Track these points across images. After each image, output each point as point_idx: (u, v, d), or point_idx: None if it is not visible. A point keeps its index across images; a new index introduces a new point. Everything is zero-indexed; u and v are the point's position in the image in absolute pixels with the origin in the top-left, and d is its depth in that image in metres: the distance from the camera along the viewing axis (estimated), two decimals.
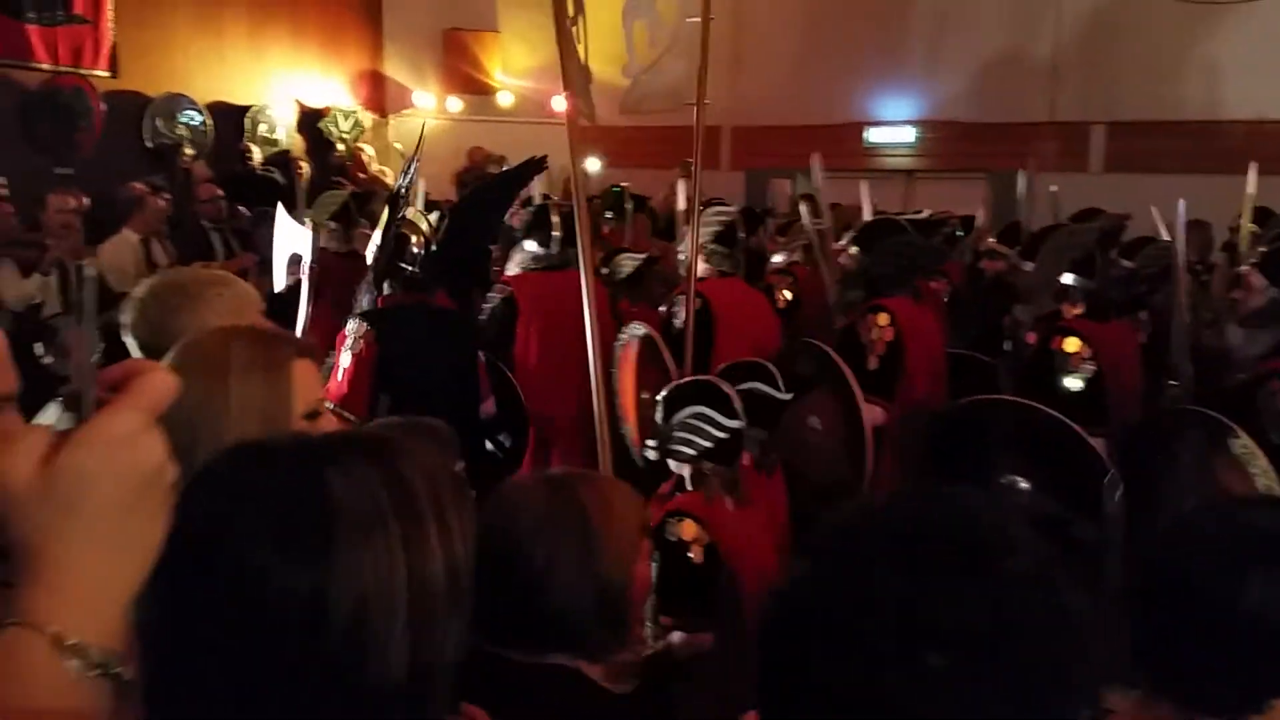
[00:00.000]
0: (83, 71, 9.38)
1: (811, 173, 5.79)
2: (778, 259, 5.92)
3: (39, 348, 4.66)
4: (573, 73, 4.18)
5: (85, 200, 6.72)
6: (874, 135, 11.03)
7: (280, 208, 4.69)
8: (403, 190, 4.37)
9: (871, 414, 4.03)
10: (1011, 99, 10.19)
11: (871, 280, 4.47)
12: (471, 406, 4.09)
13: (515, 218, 7.33)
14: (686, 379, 3.29)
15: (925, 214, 6.73)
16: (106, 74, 9.58)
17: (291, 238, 4.32)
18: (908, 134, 10.97)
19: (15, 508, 0.76)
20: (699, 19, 4.86)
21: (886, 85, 10.93)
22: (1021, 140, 9.84)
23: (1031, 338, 4.77)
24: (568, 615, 1.65)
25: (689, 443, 2.86)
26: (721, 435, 2.87)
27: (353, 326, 3.82)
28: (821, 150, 8.77)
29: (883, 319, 4.24)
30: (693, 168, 4.63)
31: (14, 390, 1.09)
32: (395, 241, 4.11)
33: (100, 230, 6.84)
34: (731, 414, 2.90)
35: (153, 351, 1.78)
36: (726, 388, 3.00)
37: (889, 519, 0.94)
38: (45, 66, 9.18)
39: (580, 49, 4.35)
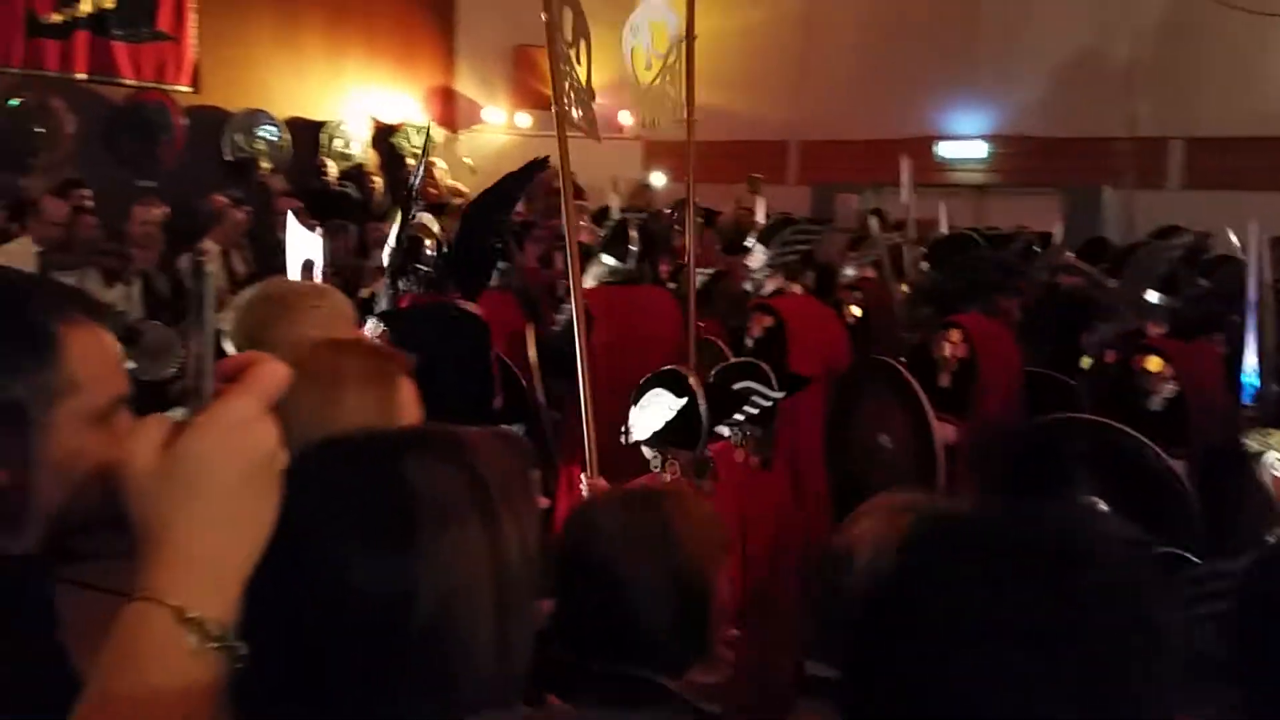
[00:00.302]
0: (165, 87, 9.68)
1: (903, 186, 5.74)
2: (849, 273, 5.89)
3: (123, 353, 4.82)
4: (562, 92, 4.19)
5: (165, 211, 6.91)
6: (945, 150, 10.91)
7: (291, 216, 4.79)
8: (414, 191, 4.46)
9: (943, 432, 3.99)
10: (1086, 113, 10.02)
11: (944, 296, 4.41)
12: (486, 406, 4.11)
13: (587, 232, 7.40)
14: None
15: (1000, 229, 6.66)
16: (189, 89, 9.87)
17: (304, 244, 4.39)
18: (979, 148, 10.84)
19: (139, 489, 0.81)
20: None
21: (957, 99, 10.82)
22: (1097, 155, 9.69)
23: (1111, 356, 4.67)
24: (648, 628, 1.64)
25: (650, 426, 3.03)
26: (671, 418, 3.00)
27: (370, 326, 3.86)
28: (891, 165, 8.72)
29: (955, 335, 4.18)
30: (687, 185, 4.64)
31: (126, 392, 1.13)
32: (409, 243, 4.19)
33: (181, 241, 7.03)
34: (681, 394, 3.01)
35: None
36: (685, 371, 3.19)
37: (981, 526, 0.96)
38: (130, 82, 9.49)
39: (580, 71, 4.44)
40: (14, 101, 8.72)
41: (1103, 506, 3.51)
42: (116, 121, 9.42)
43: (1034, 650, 0.84)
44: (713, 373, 3.52)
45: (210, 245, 6.72)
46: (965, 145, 10.88)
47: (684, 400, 3.02)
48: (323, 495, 0.97)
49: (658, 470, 3.01)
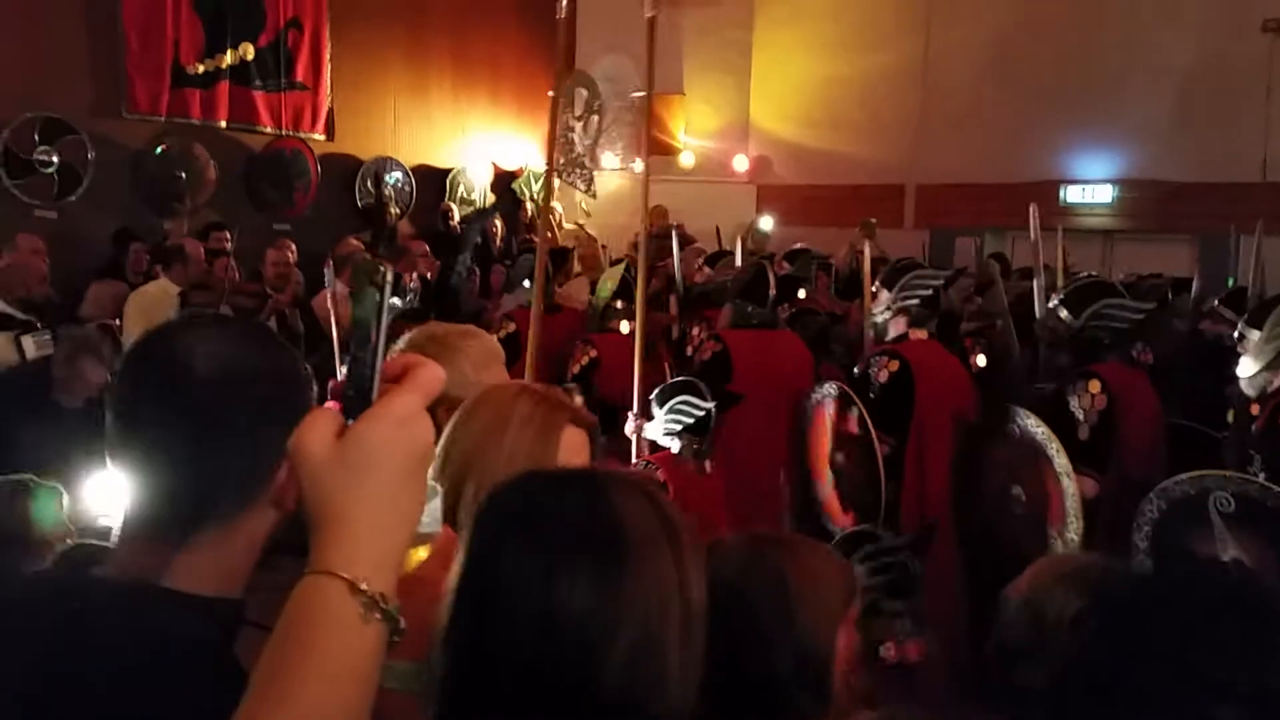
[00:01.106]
0: (302, 135, 10.11)
1: (1031, 230, 5.63)
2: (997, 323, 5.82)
3: None
4: (555, 156, 5.16)
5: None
6: (1070, 194, 10.67)
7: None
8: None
9: (1083, 486, 3.88)
10: (1218, 158, 9.70)
11: (1082, 345, 4.29)
12: None
13: (700, 273, 7.45)
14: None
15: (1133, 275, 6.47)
16: (323, 137, 10.28)
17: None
18: (1105, 193, 10.57)
19: (315, 474, 0.88)
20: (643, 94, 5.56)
21: (1081, 143, 10.59)
22: (1230, 200, 9.35)
23: (1255, 409, 4.49)
24: (765, 681, 1.62)
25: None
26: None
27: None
28: (1012, 209, 8.55)
29: (1094, 386, 4.06)
30: (648, 231, 5.22)
31: None
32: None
33: (313, 284, 7.30)
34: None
35: None
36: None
37: (1176, 590, 1.02)
38: (269, 130, 9.93)
39: (580, 135, 5.10)
40: (160, 149, 9.20)
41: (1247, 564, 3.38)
42: (255, 167, 9.86)
43: (1244, 706, 0.87)
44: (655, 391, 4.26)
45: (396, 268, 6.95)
46: (1091, 189, 10.62)
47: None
48: (532, 528, 1.02)
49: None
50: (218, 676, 1.10)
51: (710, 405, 4.04)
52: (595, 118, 5.63)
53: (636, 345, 4.67)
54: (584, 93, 5.71)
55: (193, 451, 1.13)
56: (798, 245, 9.14)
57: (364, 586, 0.86)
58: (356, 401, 0.90)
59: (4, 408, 4.47)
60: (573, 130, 5.55)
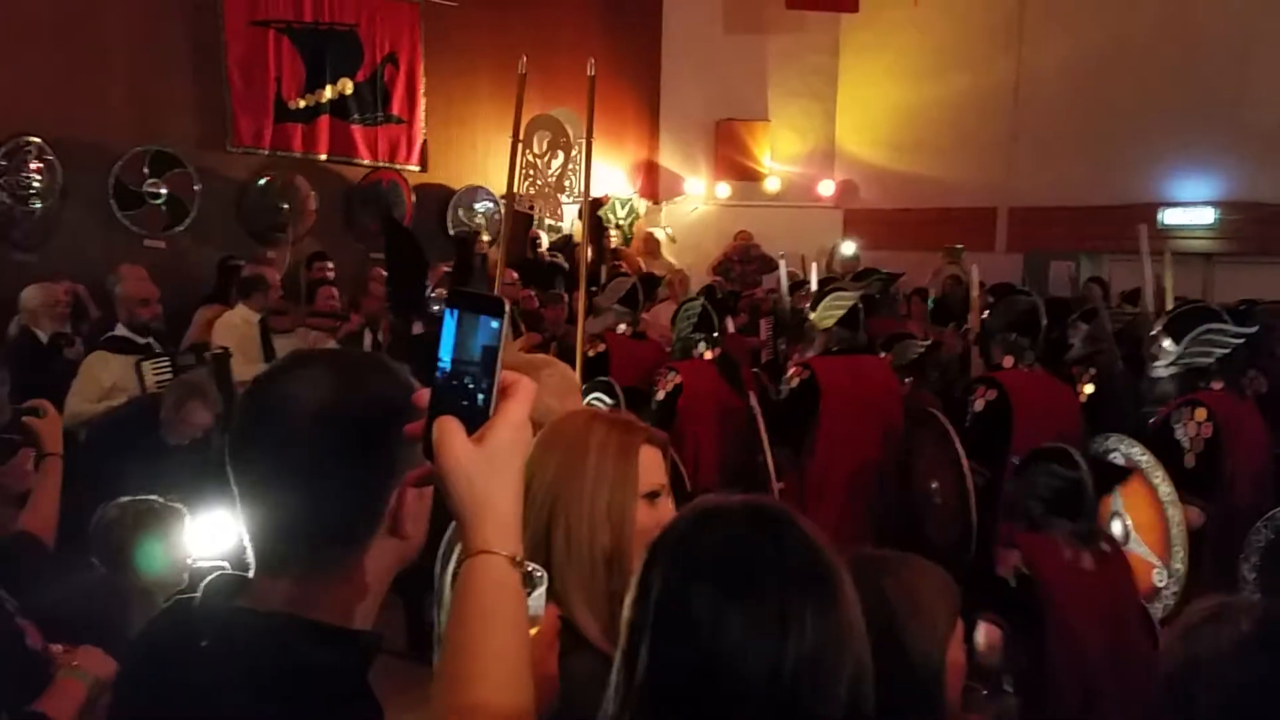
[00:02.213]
0: (397, 166, 10.38)
1: (1143, 254, 5.52)
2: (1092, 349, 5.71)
3: None
4: (515, 186, 6.07)
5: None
6: (1169, 217, 10.40)
7: None
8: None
9: (1188, 515, 3.78)
10: None
11: (1187, 372, 4.18)
12: None
13: (803, 299, 7.44)
14: None
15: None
16: (417, 169, 10.55)
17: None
18: (1206, 215, 10.28)
19: (462, 473, 1.05)
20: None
21: (1180, 164, 10.31)
22: None
23: None
24: (881, 698, 1.63)
25: None
26: None
27: None
28: (1107, 231, 8.39)
29: (1200, 414, 3.95)
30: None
31: None
32: None
33: (407, 308, 7.47)
34: None
35: None
36: None
37: None
38: (366, 162, 10.22)
39: (551, 173, 6.44)
40: (263, 180, 9.53)
41: None
42: (354, 198, 10.15)
43: None
44: None
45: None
46: (1190, 211, 10.34)
47: None
48: (741, 576, 1.06)
49: None
50: (358, 707, 1.17)
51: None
52: (563, 151, 7.00)
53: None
54: (547, 134, 7.09)
55: (301, 488, 1.18)
56: (863, 267, 9.10)
57: (520, 559, 1.07)
58: (476, 413, 1.06)
59: (115, 443, 4.67)
60: (534, 168, 6.83)
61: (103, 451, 4.66)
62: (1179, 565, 3.70)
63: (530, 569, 1.18)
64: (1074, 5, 10.78)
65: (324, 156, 9.96)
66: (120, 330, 5.72)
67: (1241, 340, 4.18)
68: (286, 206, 9.40)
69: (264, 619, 1.18)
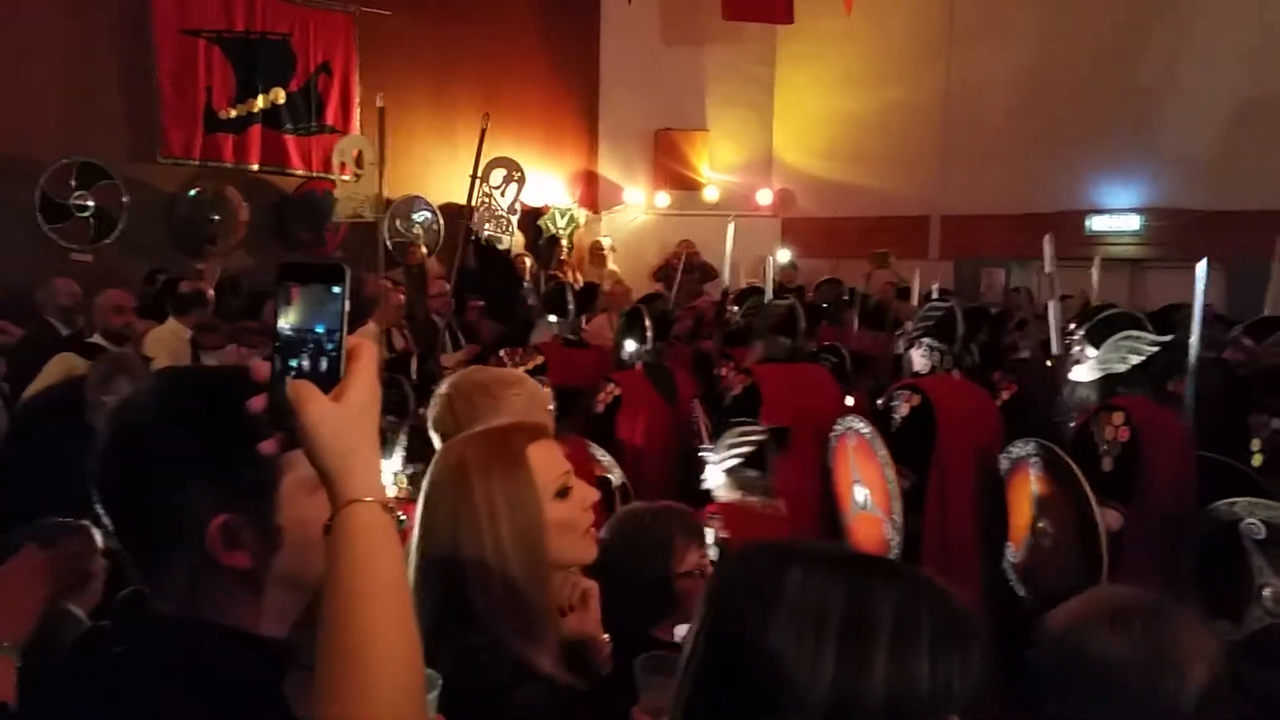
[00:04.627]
0: (331, 176, 10.23)
1: (1045, 258, 5.64)
2: (1025, 355, 5.80)
3: None
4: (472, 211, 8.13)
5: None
6: (1096, 224, 10.63)
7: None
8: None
9: (1107, 519, 3.85)
10: (1248, 185, 9.65)
11: (1106, 377, 4.26)
12: None
13: (729, 312, 7.47)
14: None
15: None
16: (351, 179, 10.42)
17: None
18: (1132, 222, 10.52)
19: (325, 429, 1.06)
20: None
21: (1109, 171, 10.56)
22: (1259, 228, 9.28)
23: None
24: None
25: None
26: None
27: None
28: (1039, 240, 8.50)
29: (1117, 418, 4.02)
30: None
31: None
32: None
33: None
34: None
35: None
36: None
37: None
38: (299, 172, 10.12)
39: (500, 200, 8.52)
40: (193, 192, 9.38)
41: None
42: (287, 208, 10.03)
43: None
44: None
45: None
46: (1117, 218, 10.58)
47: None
48: (763, 598, 1.04)
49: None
50: (269, 713, 1.14)
51: (763, 430, 4.02)
52: (516, 184, 10.12)
53: None
54: (503, 171, 10.08)
55: (175, 514, 1.17)
56: (829, 278, 9.19)
57: (389, 504, 1.09)
58: (328, 376, 1.09)
59: (37, 429, 4.48)
60: (490, 197, 9.84)
61: (28, 437, 4.45)
62: (1100, 569, 3.77)
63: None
64: (1002, 18, 10.99)
65: (256, 167, 9.84)
66: (96, 338, 5.73)
67: (1158, 347, 4.26)
68: (217, 218, 9.28)
69: (175, 625, 1.17)
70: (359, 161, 8.38)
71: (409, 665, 1.06)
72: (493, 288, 9.81)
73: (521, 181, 11.06)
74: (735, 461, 4.00)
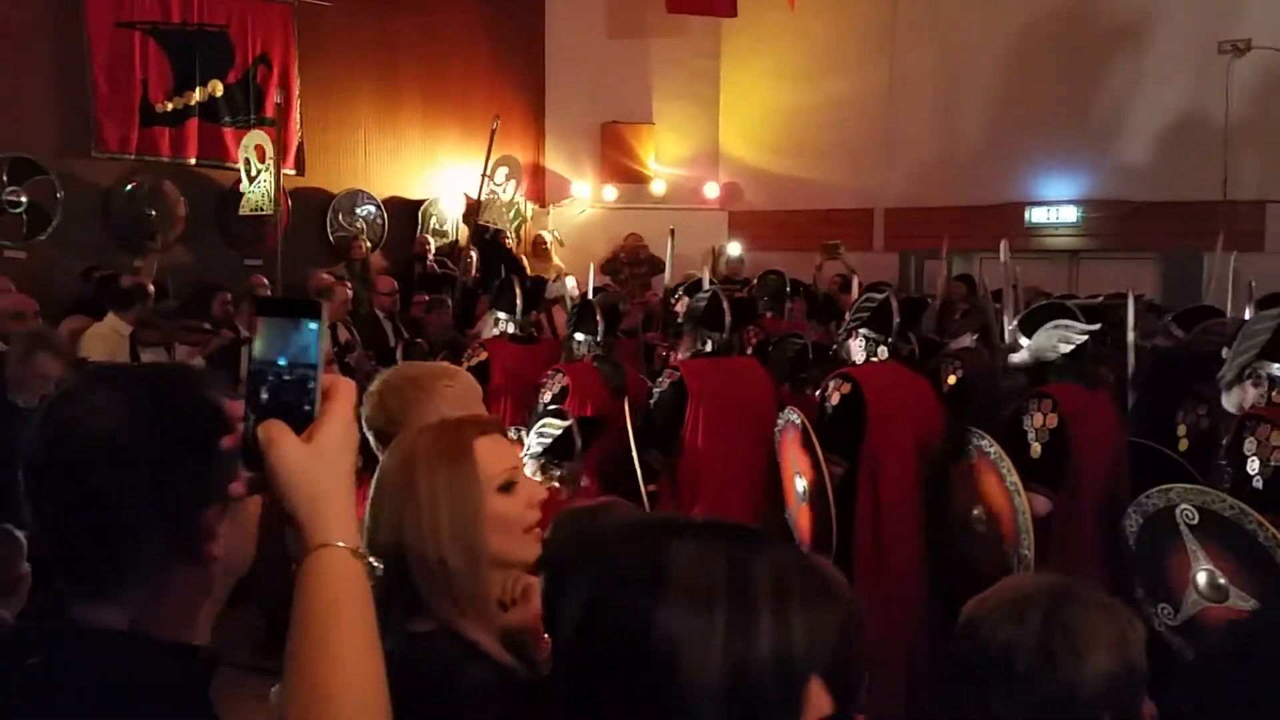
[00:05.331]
0: (246, 168, 10.10)
1: (1001, 253, 5.71)
2: (965, 343, 5.86)
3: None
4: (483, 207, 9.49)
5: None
6: (1035, 215, 10.80)
7: None
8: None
9: (1034, 505, 3.91)
10: (1182, 177, 9.86)
11: (1038, 365, 4.32)
12: None
13: (680, 304, 7.47)
14: None
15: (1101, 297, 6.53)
16: (293, 172, 10.30)
17: None
18: (1070, 213, 10.71)
19: (297, 470, 1.05)
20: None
21: (1048, 164, 10.73)
22: (1194, 219, 9.49)
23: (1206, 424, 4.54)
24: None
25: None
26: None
27: None
28: (980, 231, 8.65)
29: (1046, 406, 4.09)
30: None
31: None
32: None
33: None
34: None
35: (388, 440, 1.92)
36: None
37: None
38: (239, 166, 9.96)
39: (502, 194, 9.28)
40: (129, 187, 9.21)
41: (1221, 579, 3.42)
42: (226, 204, 9.84)
43: None
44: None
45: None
46: (1055, 210, 10.76)
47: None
48: (605, 563, 1.07)
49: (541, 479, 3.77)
50: None
51: (567, 424, 4.06)
52: (513, 183, 11.35)
53: None
54: (506, 168, 11.08)
55: (106, 518, 1.15)
56: (770, 270, 9.21)
57: (360, 549, 1.08)
58: (302, 416, 1.07)
59: None
60: (494, 192, 10.73)
61: None
62: (1026, 551, 3.83)
63: None
64: (943, 11, 11.11)
65: (194, 160, 9.68)
66: None
67: (1087, 336, 4.32)
68: (154, 213, 9.12)
69: (93, 636, 1.15)
70: (260, 156, 8.64)
71: (373, 708, 1.06)
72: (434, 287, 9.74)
73: (519, 179, 11.98)
74: (538, 449, 4.02)
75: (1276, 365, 3.83)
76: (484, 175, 10.37)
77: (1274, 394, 3.83)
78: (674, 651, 0.97)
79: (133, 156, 9.29)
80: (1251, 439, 3.62)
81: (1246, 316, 5.22)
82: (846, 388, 4.45)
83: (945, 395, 5.29)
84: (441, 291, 8.94)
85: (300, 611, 1.05)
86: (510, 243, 11.46)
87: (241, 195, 9.31)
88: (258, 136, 9.25)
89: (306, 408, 1.08)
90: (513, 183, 11.79)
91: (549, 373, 5.32)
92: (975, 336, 6.17)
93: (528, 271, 10.40)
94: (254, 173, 9.25)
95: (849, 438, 4.41)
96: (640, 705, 0.98)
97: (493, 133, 9.95)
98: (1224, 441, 3.84)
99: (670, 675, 0.97)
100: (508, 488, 1.70)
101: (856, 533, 4.37)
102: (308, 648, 1.04)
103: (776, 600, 1.00)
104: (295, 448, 1.05)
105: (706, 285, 6.68)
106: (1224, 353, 3.97)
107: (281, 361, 1.07)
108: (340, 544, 1.06)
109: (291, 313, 1.08)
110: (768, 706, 0.98)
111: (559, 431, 4.03)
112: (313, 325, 1.07)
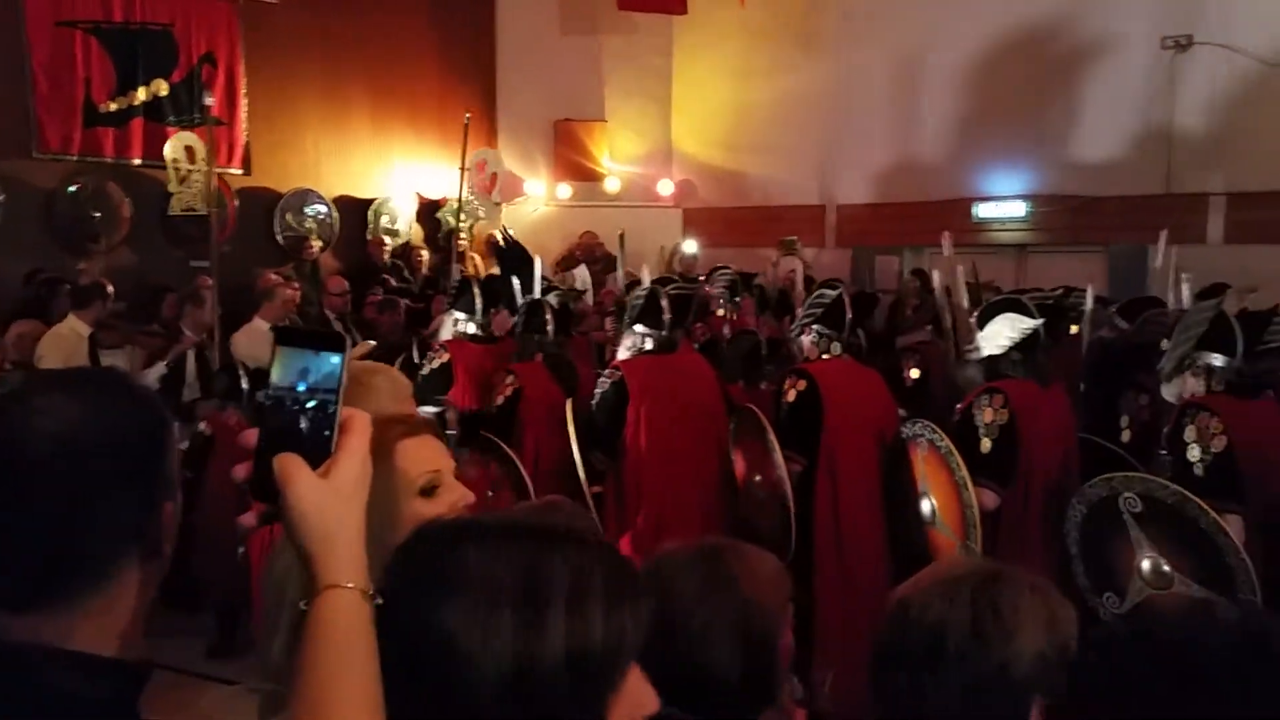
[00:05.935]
0: (218, 170, 9.97)
1: (943, 249, 5.76)
2: (919, 338, 5.91)
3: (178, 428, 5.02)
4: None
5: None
6: (983, 210, 10.93)
7: None
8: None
9: (982, 498, 3.95)
10: (1126, 171, 10.02)
11: (990, 360, 4.36)
12: None
13: (608, 295, 7.44)
14: None
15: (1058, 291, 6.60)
16: (240, 172, 10.18)
17: None
18: (1018, 208, 10.84)
19: (311, 509, 1.04)
20: None
21: (995, 160, 10.85)
22: (1139, 212, 9.64)
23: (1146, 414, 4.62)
24: (721, 679, 1.67)
25: None
26: None
27: None
28: (929, 227, 8.71)
29: (997, 400, 4.12)
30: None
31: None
32: None
33: (234, 320, 7.22)
34: None
35: None
36: None
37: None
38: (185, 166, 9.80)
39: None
40: (72, 188, 9.04)
41: (1166, 567, 3.48)
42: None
43: None
44: None
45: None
46: (1003, 205, 10.88)
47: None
48: (410, 566, 1.09)
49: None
50: None
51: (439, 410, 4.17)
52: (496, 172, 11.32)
53: None
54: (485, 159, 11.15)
55: (48, 526, 1.11)
56: (719, 266, 9.24)
57: (369, 591, 1.07)
58: (319, 449, 1.06)
59: None
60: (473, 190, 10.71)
61: None
62: (974, 544, 3.87)
63: None
64: (889, 8, 11.19)
65: (138, 161, 9.51)
66: None
67: (1032, 330, 4.36)
68: (99, 215, 8.96)
69: (13, 652, 1.10)
70: (190, 157, 8.70)
71: None
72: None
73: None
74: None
75: (1215, 355, 3.92)
76: (463, 170, 10.29)
77: (1213, 383, 3.91)
78: (454, 648, 1.02)
79: (75, 157, 9.13)
80: (1191, 427, 3.70)
81: (1185, 307, 5.31)
82: (802, 384, 4.47)
83: (908, 390, 5.34)
84: (394, 292, 8.88)
85: (309, 654, 1.04)
86: (464, 242, 11.38)
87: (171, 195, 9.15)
88: (187, 138, 9.12)
89: (324, 442, 1.06)
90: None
91: (500, 374, 5.29)
92: (929, 328, 6.24)
93: (424, 271, 10.42)
94: (184, 173, 9.11)
95: (806, 434, 4.43)
96: (430, 702, 1.04)
97: (465, 128, 9.96)
98: (1165, 430, 3.91)
99: (452, 671, 1.02)
100: (429, 491, 1.64)
101: (816, 527, 4.38)
102: (316, 692, 1.03)
103: (572, 597, 1.04)
104: (313, 486, 1.05)
105: (646, 283, 6.67)
106: (1164, 344, 4.04)
107: (301, 393, 1.05)
108: (349, 585, 1.05)
109: (313, 344, 1.06)
110: (562, 701, 1.02)
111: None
112: (335, 358, 1.06)
